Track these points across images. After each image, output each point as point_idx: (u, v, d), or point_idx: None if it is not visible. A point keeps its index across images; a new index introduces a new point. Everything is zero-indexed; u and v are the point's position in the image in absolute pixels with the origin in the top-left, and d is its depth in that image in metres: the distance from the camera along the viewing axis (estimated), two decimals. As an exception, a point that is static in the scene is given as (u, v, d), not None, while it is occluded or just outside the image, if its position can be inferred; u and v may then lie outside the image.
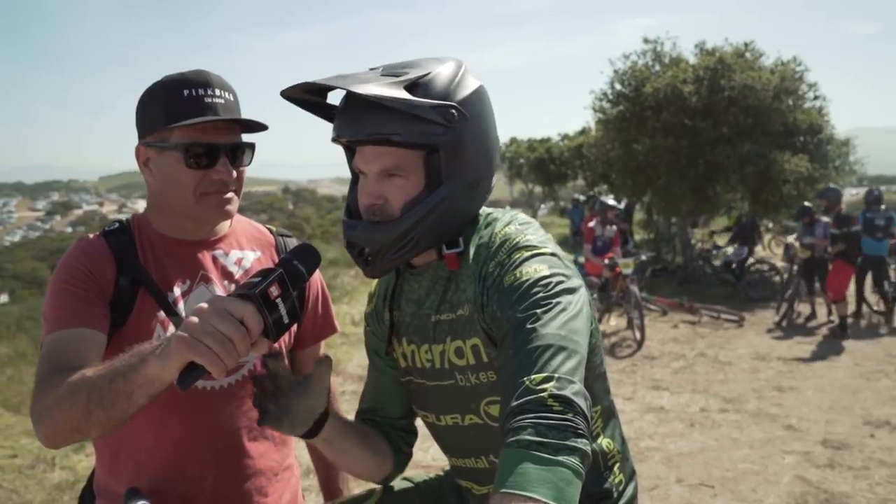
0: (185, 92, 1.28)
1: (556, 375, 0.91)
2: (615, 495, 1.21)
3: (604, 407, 1.22)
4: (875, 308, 8.88)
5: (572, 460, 0.84)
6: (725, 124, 12.14)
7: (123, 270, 1.30)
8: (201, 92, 1.29)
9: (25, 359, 6.59)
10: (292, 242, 1.56)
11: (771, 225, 17.67)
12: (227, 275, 1.41)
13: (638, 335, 7.52)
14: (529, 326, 0.97)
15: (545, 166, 28.57)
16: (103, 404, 1.03)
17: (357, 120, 1.05)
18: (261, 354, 1.07)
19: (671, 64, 13.35)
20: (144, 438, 1.31)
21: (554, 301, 1.00)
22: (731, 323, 8.85)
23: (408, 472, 1.41)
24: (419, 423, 1.38)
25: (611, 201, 8.91)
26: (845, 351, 7.38)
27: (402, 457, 1.35)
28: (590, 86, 16.32)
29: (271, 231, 1.56)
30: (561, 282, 1.03)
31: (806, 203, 9.36)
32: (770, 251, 16.89)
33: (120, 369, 1.03)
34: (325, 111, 1.18)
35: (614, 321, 8.66)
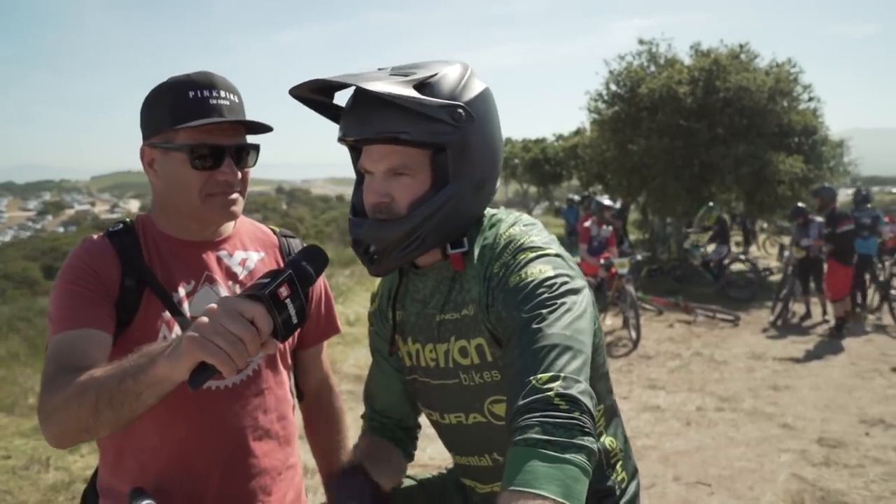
0: (191, 93, 1.29)
1: (562, 375, 0.92)
2: (618, 493, 1.22)
3: (607, 406, 1.23)
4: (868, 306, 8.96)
5: (580, 458, 0.85)
6: (720, 125, 12.20)
7: (129, 271, 1.31)
8: (206, 94, 1.30)
9: (18, 359, 6.56)
10: (295, 243, 1.57)
11: (765, 225, 17.75)
12: (231, 275, 1.42)
13: (634, 335, 7.55)
14: (535, 326, 0.98)
15: (540, 166, 28.60)
16: (112, 404, 1.04)
17: (365, 119, 1.06)
18: None
19: (666, 65, 13.41)
20: (149, 438, 1.31)
21: (559, 301, 1.01)
22: (727, 322, 8.89)
23: (411, 471, 1.42)
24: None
25: (607, 201, 8.94)
26: (840, 350, 7.42)
27: (409, 458, 1.37)
28: (584, 86, 16.43)
29: (274, 232, 1.57)
30: (565, 282, 1.05)
31: (799, 204, 9.41)
32: (765, 251, 16.97)
33: (129, 369, 1.04)
34: (330, 111, 1.18)
35: (610, 321, 8.69)
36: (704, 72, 12.59)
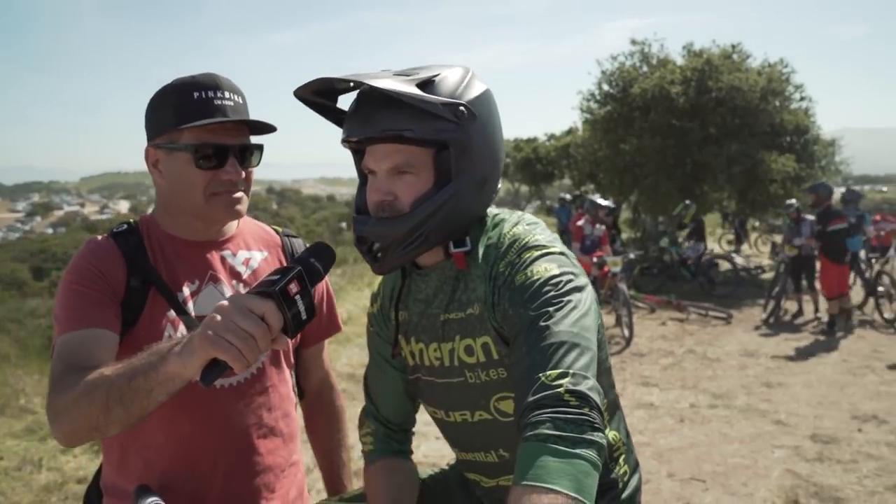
0: (196, 94, 1.30)
1: (570, 371, 0.93)
2: (620, 486, 1.24)
3: (609, 400, 1.25)
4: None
5: (590, 453, 0.87)
6: (713, 125, 12.28)
7: (134, 271, 1.32)
8: (211, 94, 1.31)
9: (8, 361, 6.54)
10: (298, 242, 1.59)
11: (757, 224, 17.86)
12: (235, 275, 1.43)
13: (626, 332, 7.59)
14: (542, 324, 0.99)
15: (532, 166, 28.67)
16: (123, 402, 1.05)
17: (369, 118, 1.07)
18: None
19: (659, 65, 13.49)
20: (154, 436, 1.32)
21: (565, 299, 1.03)
22: (719, 320, 8.94)
23: None
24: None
25: (601, 200, 8.98)
26: (832, 347, 7.48)
27: (410, 457, 1.37)
28: (576, 86, 16.45)
29: (277, 232, 1.58)
30: (570, 280, 1.06)
31: (792, 200, 9.47)
32: (757, 249, 17.07)
33: (139, 368, 1.05)
34: (334, 115, 1.19)
35: (603, 319, 8.72)
36: (697, 72, 12.67)
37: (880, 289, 8.84)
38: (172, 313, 1.33)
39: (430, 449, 4.32)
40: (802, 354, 7.16)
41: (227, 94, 1.33)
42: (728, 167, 11.90)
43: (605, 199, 11.08)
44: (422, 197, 1.09)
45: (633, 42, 14.08)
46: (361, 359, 6.57)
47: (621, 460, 1.25)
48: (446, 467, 1.47)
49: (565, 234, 11.92)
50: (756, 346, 7.58)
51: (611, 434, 1.24)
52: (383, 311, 1.33)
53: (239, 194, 1.36)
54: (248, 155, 1.37)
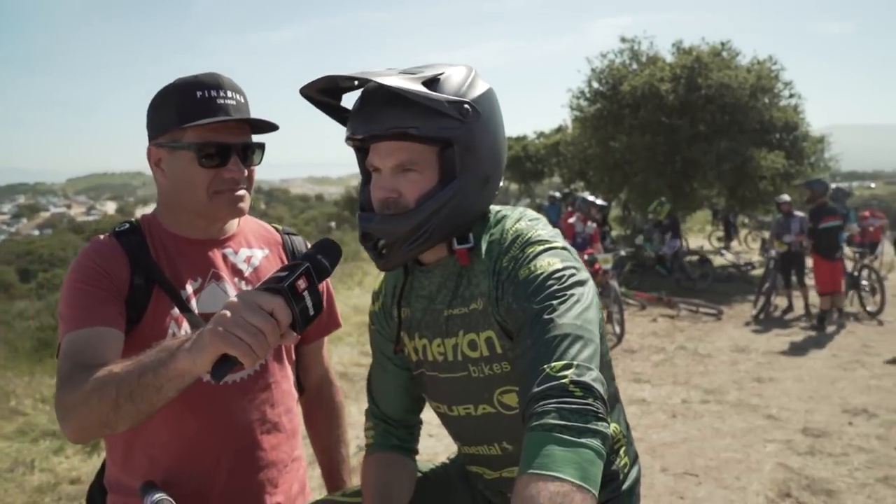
0: (198, 93, 1.31)
1: (574, 363, 0.95)
2: (621, 477, 1.26)
3: (610, 393, 1.26)
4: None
5: (595, 442, 0.89)
6: (702, 122, 12.34)
7: (137, 269, 1.33)
8: (213, 93, 1.32)
9: (-3, 362, 6.52)
10: (298, 240, 1.60)
11: (747, 220, 17.98)
12: (237, 272, 1.44)
13: (618, 329, 7.63)
14: (547, 317, 1.01)
15: (521, 164, 28.69)
16: (133, 398, 1.06)
17: (374, 116, 1.09)
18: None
19: (648, 62, 13.54)
20: (159, 433, 1.33)
21: (568, 293, 1.04)
22: (710, 316, 9.00)
23: None
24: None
25: (592, 198, 9.02)
26: (822, 342, 7.56)
27: (413, 454, 1.39)
28: (565, 84, 16.48)
29: (277, 230, 1.60)
30: (573, 274, 1.08)
31: (783, 196, 9.53)
32: (747, 246, 17.19)
33: (149, 364, 1.06)
34: (338, 113, 1.21)
35: (598, 315, 8.76)
36: (686, 69, 12.73)
37: (863, 282, 8.99)
38: (176, 311, 1.33)
39: (423, 447, 4.33)
40: (793, 350, 7.23)
41: (229, 94, 1.34)
42: (718, 164, 11.97)
43: (597, 196, 11.15)
44: (426, 194, 1.10)
45: (623, 40, 14.14)
46: (353, 357, 6.58)
47: (622, 452, 1.27)
48: (447, 461, 1.48)
49: (556, 232, 11.89)
50: (747, 341, 7.65)
51: (612, 426, 1.25)
52: (385, 309, 1.34)
53: (241, 192, 1.37)
54: (250, 153, 1.38)
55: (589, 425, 0.89)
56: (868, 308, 8.90)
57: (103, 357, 1.18)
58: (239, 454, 1.38)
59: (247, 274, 1.45)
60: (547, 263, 1.08)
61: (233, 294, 1.40)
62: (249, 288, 1.41)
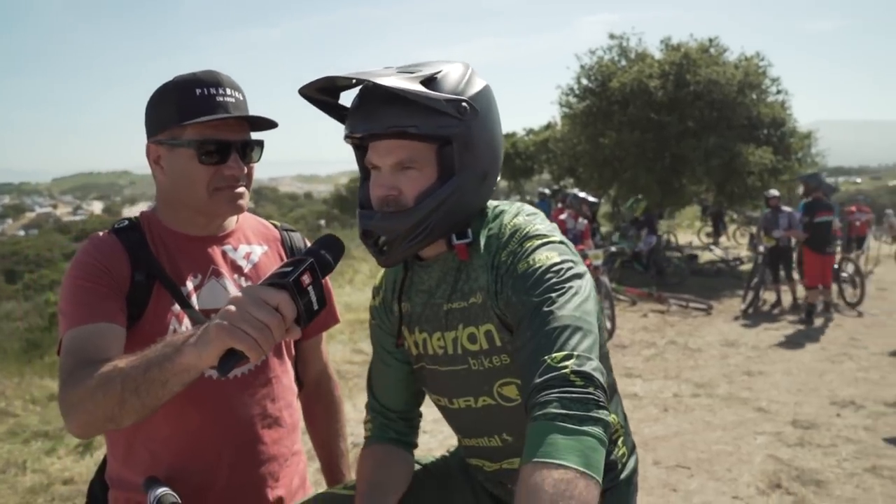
0: (198, 91, 1.32)
1: (575, 353, 0.97)
2: (619, 467, 1.28)
3: (608, 383, 1.28)
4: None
5: (596, 430, 0.91)
6: (691, 118, 12.42)
7: (138, 266, 1.33)
8: (213, 91, 1.33)
9: (-15, 362, 6.48)
10: (296, 237, 1.61)
11: (735, 216, 18.10)
12: (236, 269, 1.45)
13: (609, 325, 7.67)
14: (546, 309, 1.03)
15: (511, 161, 28.72)
16: (138, 393, 1.07)
17: (373, 114, 1.10)
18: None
19: (637, 59, 13.60)
20: (160, 429, 1.34)
21: (567, 285, 1.06)
22: (700, 311, 9.07)
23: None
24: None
25: (583, 195, 9.07)
26: (810, 336, 7.64)
27: (412, 447, 1.40)
28: (554, 81, 16.51)
29: (276, 226, 1.61)
30: (571, 267, 1.10)
31: (772, 190, 9.61)
32: (735, 241, 17.31)
33: (154, 359, 1.06)
34: (336, 111, 1.22)
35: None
36: (675, 65, 12.80)
37: (843, 275, 9.13)
38: (177, 307, 1.34)
39: (419, 441, 4.36)
40: (782, 343, 7.31)
41: (228, 91, 1.35)
42: (706, 160, 12.05)
43: (588, 193, 11.20)
44: (425, 192, 1.12)
45: (612, 36, 14.19)
46: (345, 355, 6.58)
47: (620, 442, 1.29)
48: (447, 454, 1.50)
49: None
50: (736, 335, 7.71)
51: (610, 416, 1.28)
52: (386, 304, 1.35)
53: (241, 189, 1.38)
54: (249, 151, 1.39)
55: (590, 413, 0.91)
56: (849, 300, 9.14)
57: (106, 353, 1.19)
58: (240, 449, 1.39)
59: (246, 270, 1.46)
60: (545, 257, 1.10)
61: (233, 290, 1.41)
62: (249, 284, 1.42)
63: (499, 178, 1.24)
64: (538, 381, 0.95)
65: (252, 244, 1.50)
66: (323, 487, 1.58)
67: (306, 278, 1.01)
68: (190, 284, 1.38)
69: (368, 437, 1.38)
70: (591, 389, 0.94)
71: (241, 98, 1.38)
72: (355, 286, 10.64)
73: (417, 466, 1.43)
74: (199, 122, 1.30)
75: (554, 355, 0.97)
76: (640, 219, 11.90)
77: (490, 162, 1.17)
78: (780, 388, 5.64)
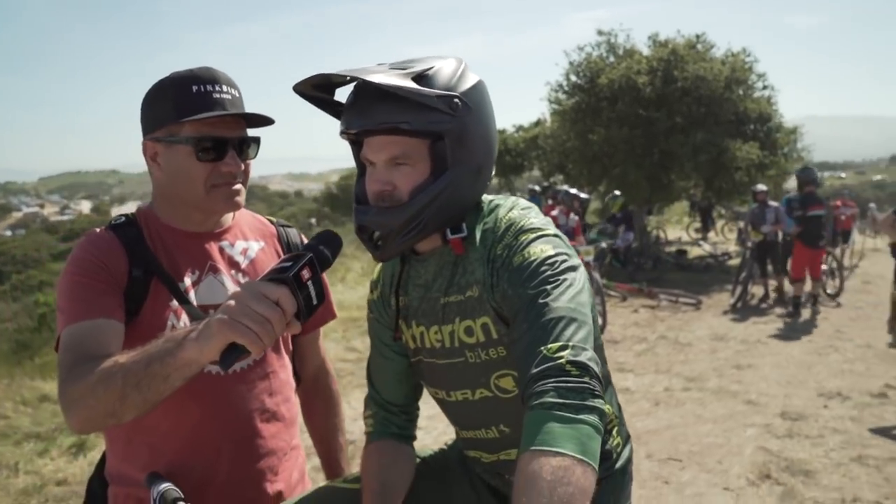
0: (194, 88, 1.33)
1: (570, 344, 0.99)
2: (614, 456, 1.31)
3: (603, 374, 1.31)
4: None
5: (592, 418, 0.93)
6: (679, 114, 12.47)
7: (136, 262, 1.34)
8: (210, 88, 1.34)
9: (-25, 366, 6.44)
10: (292, 232, 1.62)
11: (723, 211, 18.21)
12: (233, 264, 1.46)
13: (600, 320, 7.70)
14: (541, 301, 1.05)
15: (500, 158, 28.70)
16: (140, 388, 1.08)
17: (367, 111, 1.11)
18: None
19: (625, 55, 13.62)
20: (161, 424, 1.34)
21: (561, 278, 1.08)
22: (689, 306, 9.14)
23: None
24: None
25: (574, 191, 9.12)
26: (798, 329, 7.73)
27: (412, 440, 1.41)
28: (543, 78, 16.56)
29: (272, 222, 1.62)
30: (565, 260, 1.12)
31: (757, 186, 9.69)
32: (723, 236, 17.42)
33: (155, 354, 1.08)
34: (331, 107, 1.23)
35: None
36: (662, 62, 12.84)
37: (823, 267, 9.25)
38: (175, 303, 1.35)
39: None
40: (770, 337, 7.38)
41: (224, 88, 1.35)
42: (694, 156, 12.11)
43: (580, 190, 11.26)
44: (419, 186, 1.13)
45: (600, 32, 14.21)
46: (338, 353, 6.59)
47: (614, 432, 1.32)
48: (445, 447, 1.52)
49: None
50: (726, 330, 7.78)
51: (605, 406, 1.30)
52: (383, 298, 1.36)
53: (238, 186, 1.39)
54: (246, 147, 1.40)
55: (586, 402, 0.94)
56: (828, 291, 9.39)
57: (105, 348, 1.20)
58: (239, 443, 1.40)
59: (243, 266, 1.47)
60: (540, 250, 1.12)
61: (230, 286, 1.42)
62: (246, 280, 1.43)
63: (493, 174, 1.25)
64: (535, 371, 0.97)
65: (249, 240, 1.52)
66: (319, 483, 1.59)
67: (306, 273, 1.03)
68: (187, 280, 1.38)
69: (371, 433, 1.38)
70: (586, 379, 0.96)
71: (238, 95, 1.39)
72: (347, 284, 10.63)
73: (416, 459, 1.45)
74: (196, 119, 1.30)
75: (550, 346, 0.99)
76: (617, 215, 11.99)
77: (484, 156, 1.19)
78: (769, 380, 5.71)
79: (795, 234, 8.41)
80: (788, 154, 13.53)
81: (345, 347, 6.83)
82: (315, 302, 1.05)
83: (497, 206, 1.24)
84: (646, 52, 13.72)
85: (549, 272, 1.08)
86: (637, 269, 11.51)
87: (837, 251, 10.66)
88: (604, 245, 10.14)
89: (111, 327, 1.25)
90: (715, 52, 13.76)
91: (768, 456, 4.07)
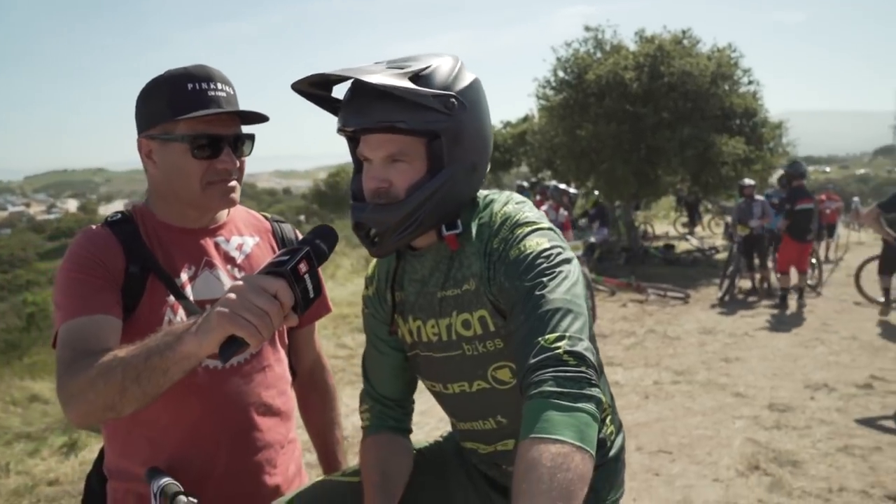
0: (189, 86, 1.33)
1: (567, 334, 1.01)
2: (608, 444, 1.33)
3: (597, 363, 1.33)
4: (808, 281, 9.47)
5: (590, 406, 0.95)
6: (665, 109, 12.54)
7: (132, 258, 1.35)
8: (204, 86, 1.34)
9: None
10: (287, 228, 1.64)
11: (710, 206, 18.34)
12: (229, 260, 1.47)
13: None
14: (538, 293, 1.07)
15: (489, 154, 28.73)
16: (139, 381, 1.09)
17: (363, 109, 1.13)
18: None
19: (612, 51, 13.69)
20: (160, 418, 1.35)
21: (557, 270, 1.10)
22: (677, 300, 9.21)
23: None
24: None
25: (563, 186, 9.16)
26: (785, 322, 7.81)
27: (408, 433, 1.43)
28: (530, 74, 16.59)
29: (266, 217, 1.63)
30: (560, 253, 1.14)
31: (746, 180, 9.77)
32: (710, 231, 17.54)
33: (155, 348, 1.09)
34: (329, 104, 1.24)
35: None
36: (649, 57, 12.91)
37: (812, 260, 9.38)
38: (172, 298, 1.36)
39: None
40: (757, 330, 7.46)
41: (219, 85, 1.36)
42: (681, 151, 12.20)
43: (570, 185, 11.31)
44: (416, 184, 1.15)
45: (587, 28, 14.27)
46: (329, 349, 6.59)
47: (608, 420, 1.34)
48: (441, 439, 1.54)
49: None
50: (713, 323, 7.86)
51: (601, 395, 1.32)
52: (379, 293, 1.38)
53: (233, 183, 1.40)
54: (241, 145, 1.41)
55: (584, 391, 0.96)
56: (809, 282, 9.46)
57: (103, 343, 1.20)
58: (236, 437, 1.41)
59: (239, 261, 1.48)
60: (535, 243, 1.14)
61: (226, 281, 1.43)
62: (242, 274, 1.44)
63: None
64: (533, 361, 0.99)
65: (244, 236, 1.53)
66: (320, 475, 1.61)
67: (303, 266, 1.04)
68: (184, 276, 1.39)
69: (368, 427, 1.39)
70: (583, 368, 0.98)
71: (232, 92, 1.40)
72: (337, 281, 10.63)
73: (413, 452, 1.47)
74: (192, 116, 1.31)
75: (547, 336, 1.01)
76: (591, 212, 12.08)
77: (479, 154, 1.21)
78: (757, 373, 5.77)
79: (783, 227, 8.50)
80: (774, 149, 13.65)
81: (335, 344, 6.84)
82: (312, 295, 1.07)
83: (492, 200, 1.26)
84: (633, 47, 13.79)
85: (545, 265, 1.11)
86: (612, 264, 11.65)
87: (833, 246, 10.80)
88: (592, 239, 10.20)
89: (109, 323, 1.26)
90: (701, 47, 13.87)
91: (756, 447, 4.12)
